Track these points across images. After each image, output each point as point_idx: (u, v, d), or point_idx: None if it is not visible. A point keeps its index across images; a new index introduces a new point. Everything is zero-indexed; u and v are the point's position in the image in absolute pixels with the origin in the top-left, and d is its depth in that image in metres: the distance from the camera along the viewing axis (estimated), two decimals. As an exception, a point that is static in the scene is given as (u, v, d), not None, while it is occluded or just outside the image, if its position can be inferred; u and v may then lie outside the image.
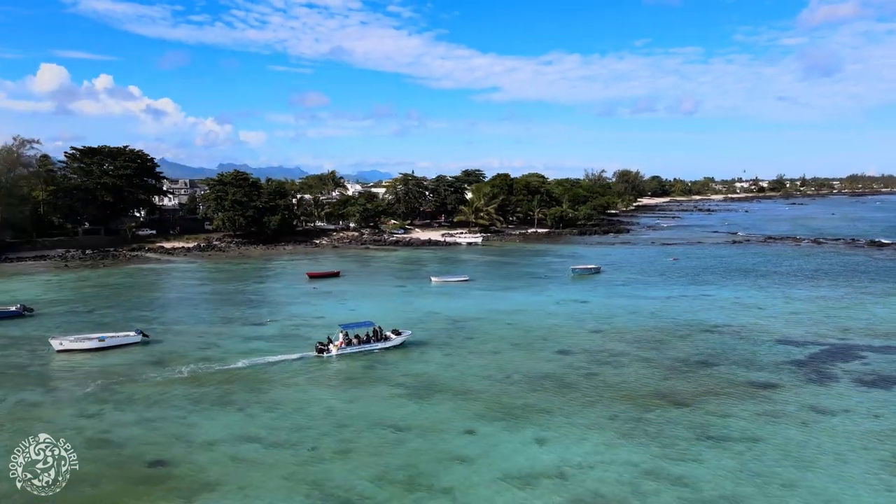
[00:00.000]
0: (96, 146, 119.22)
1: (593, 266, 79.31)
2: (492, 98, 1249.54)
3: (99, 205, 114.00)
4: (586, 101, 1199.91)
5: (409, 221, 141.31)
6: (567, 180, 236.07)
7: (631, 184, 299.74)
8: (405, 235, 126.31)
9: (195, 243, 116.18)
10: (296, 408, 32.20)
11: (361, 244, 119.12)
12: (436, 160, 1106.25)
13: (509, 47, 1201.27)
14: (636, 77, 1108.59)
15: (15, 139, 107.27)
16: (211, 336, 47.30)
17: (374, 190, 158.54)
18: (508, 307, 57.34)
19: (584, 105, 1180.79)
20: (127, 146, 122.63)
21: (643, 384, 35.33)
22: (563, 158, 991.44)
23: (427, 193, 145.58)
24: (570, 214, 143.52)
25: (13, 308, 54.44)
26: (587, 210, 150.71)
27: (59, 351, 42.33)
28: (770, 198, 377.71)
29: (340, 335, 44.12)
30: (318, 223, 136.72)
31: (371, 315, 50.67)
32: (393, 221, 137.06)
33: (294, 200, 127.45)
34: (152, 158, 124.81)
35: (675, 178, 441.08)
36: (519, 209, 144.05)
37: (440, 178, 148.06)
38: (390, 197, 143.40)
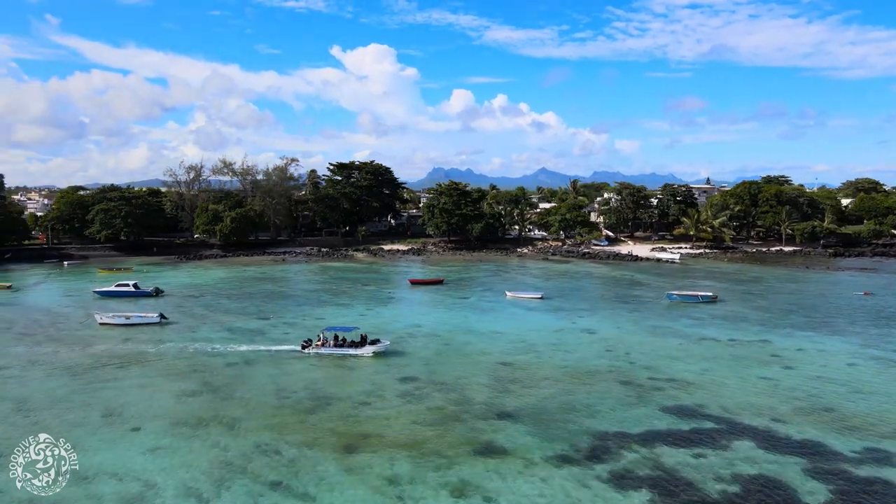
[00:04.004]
0: (347, 161, 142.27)
1: (704, 294, 64.93)
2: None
3: (341, 211, 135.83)
4: None
5: (627, 233, 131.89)
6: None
7: None
8: (605, 248, 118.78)
9: (410, 247, 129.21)
10: (103, 387, 37.91)
11: (552, 255, 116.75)
12: (838, 164, 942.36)
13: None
14: None
15: (283, 159, 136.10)
16: (209, 324, 55.95)
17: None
18: (502, 328, 53.08)
19: None
20: (372, 161, 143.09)
21: (380, 424, 31.30)
22: None
23: (653, 203, 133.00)
24: (830, 229, 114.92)
25: (149, 289, 72.27)
26: (874, 226, 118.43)
27: (101, 324, 56.07)
28: None
29: (321, 335, 48.54)
30: (536, 231, 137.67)
31: (361, 321, 54.02)
32: (607, 232, 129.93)
33: (501, 210, 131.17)
34: (389, 170, 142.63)
35: None
36: (760, 222, 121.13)
37: (666, 187, 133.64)
38: (614, 204, 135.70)
